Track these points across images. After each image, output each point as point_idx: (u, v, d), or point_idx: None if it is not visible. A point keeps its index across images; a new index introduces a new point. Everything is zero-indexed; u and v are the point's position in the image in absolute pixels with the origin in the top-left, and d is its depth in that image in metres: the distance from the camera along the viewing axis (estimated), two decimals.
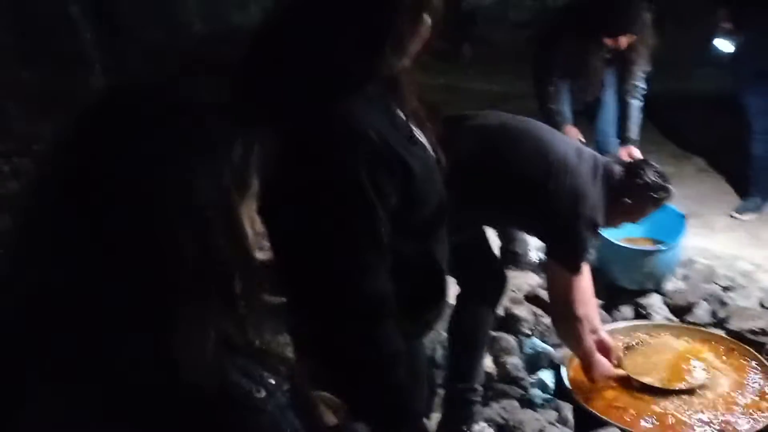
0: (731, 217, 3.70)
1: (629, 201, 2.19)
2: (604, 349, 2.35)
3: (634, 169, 2.22)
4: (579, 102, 3.28)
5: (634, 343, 2.63)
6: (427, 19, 1.19)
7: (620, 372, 2.40)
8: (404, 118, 1.26)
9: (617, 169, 2.20)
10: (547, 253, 2.24)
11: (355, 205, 1.15)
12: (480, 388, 2.35)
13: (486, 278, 2.34)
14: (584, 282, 2.22)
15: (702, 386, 2.37)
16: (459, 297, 2.35)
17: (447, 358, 2.48)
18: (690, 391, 2.37)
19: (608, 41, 2.97)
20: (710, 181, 4.10)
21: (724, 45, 3.30)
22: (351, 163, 1.14)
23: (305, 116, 1.13)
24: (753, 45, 3.25)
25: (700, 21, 3.78)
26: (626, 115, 3.33)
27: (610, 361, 2.36)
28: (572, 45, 3.04)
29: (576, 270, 2.10)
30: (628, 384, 2.41)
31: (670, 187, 2.24)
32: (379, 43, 1.14)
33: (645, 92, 3.29)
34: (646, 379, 2.41)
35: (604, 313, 2.90)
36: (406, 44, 1.18)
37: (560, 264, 2.13)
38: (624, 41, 2.97)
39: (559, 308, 2.23)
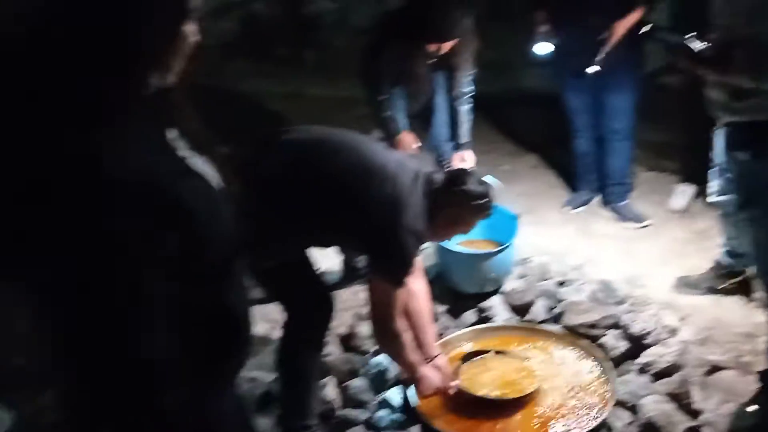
0: (562, 211, 3.84)
1: (452, 211, 2.16)
2: (436, 368, 2.35)
3: (453, 178, 2.19)
4: (412, 107, 3.26)
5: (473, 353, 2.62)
6: (187, 31, 1.05)
7: (451, 384, 2.38)
8: (177, 146, 1.10)
9: (438, 179, 2.17)
10: (369, 266, 2.14)
11: (112, 259, 0.98)
12: (315, 423, 2.24)
13: (311, 305, 2.24)
14: (417, 300, 2.22)
15: (535, 392, 2.40)
16: (285, 326, 2.22)
17: (278, 394, 2.35)
18: (524, 399, 2.38)
19: (431, 47, 2.98)
20: (543, 177, 4.25)
21: (543, 47, 3.40)
22: (103, 208, 0.95)
23: (46, 156, 0.94)
24: (569, 47, 3.37)
25: (526, 21, 3.90)
26: (456, 120, 3.37)
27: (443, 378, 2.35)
28: (397, 51, 3.01)
29: (398, 283, 2.05)
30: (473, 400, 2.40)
31: (490, 194, 2.23)
32: (124, 63, 0.98)
33: (473, 94, 3.33)
34: (481, 392, 2.41)
35: (450, 317, 2.91)
36: (162, 60, 1.02)
37: (382, 277, 2.06)
38: (447, 46, 2.99)
39: (379, 323, 2.16)
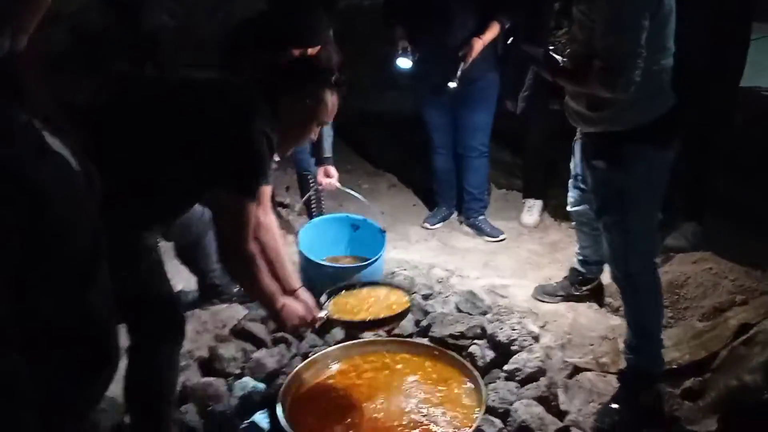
0: (423, 227, 3.88)
1: (295, 98, 2.02)
2: (299, 300, 2.19)
3: (293, 65, 2.13)
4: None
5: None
6: None
7: (319, 315, 2.23)
8: (28, 121, 0.91)
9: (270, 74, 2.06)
10: (220, 184, 1.90)
11: None
12: None
13: (160, 324, 2.02)
14: (269, 234, 2.10)
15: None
16: (130, 350, 1.99)
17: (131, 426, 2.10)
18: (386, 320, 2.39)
19: (295, 52, 2.89)
20: (401, 196, 4.30)
21: (404, 63, 3.44)
22: None
23: None
24: (428, 62, 3.43)
25: (379, 45, 3.94)
26: (319, 135, 3.29)
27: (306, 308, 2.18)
28: (255, 60, 2.88)
29: (251, 194, 1.89)
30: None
31: (334, 69, 2.13)
32: None
33: None
34: (346, 317, 2.36)
35: (317, 338, 2.80)
36: (15, 15, 0.84)
37: (236, 188, 1.88)
38: (310, 52, 2.92)
39: (231, 247, 1.95)
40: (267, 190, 2.13)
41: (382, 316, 2.38)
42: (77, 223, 0.94)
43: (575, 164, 2.59)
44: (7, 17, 0.86)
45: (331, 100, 2.09)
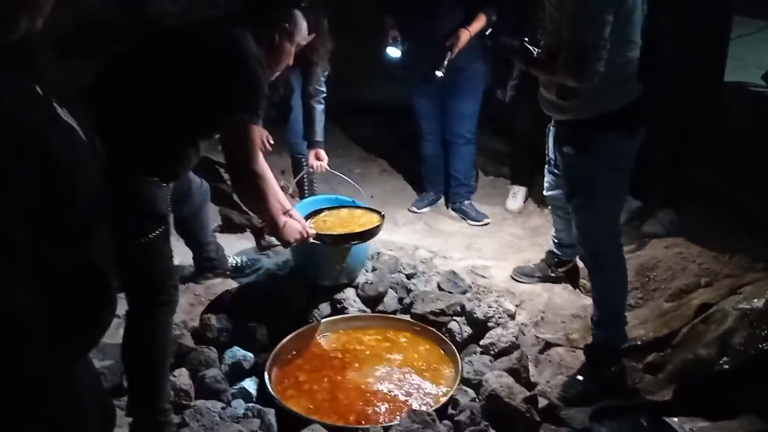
0: (410, 211, 4.02)
1: (276, 28, 2.23)
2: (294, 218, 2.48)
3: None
4: (268, 104, 3.27)
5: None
6: None
7: (310, 232, 2.56)
8: (42, 93, 1.06)
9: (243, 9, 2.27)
10: (225, 108, 2.06)
11: None
12: (169, 407, 2.18)
13: (157, 290, 2.17)
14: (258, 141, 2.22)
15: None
16: (128, 314, 2.15)
17: (126, 380, 2.26)
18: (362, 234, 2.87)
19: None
20: (392, 181, 4.44)
21: (394, 52, 3.56)
22: None
23: None
24: (417, 52, 3.55)
25: (373, 34, 4.06)
26: (311, 119, 3.44)
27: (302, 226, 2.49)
28: None
29: (255, 113, 2.07)
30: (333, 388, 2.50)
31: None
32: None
33: (325, 95, 3.42)
34: (332, 232, 2.85)
35: (303, 311, 2.94)
36: (36, 6, 0.98)
37: (241, 109, 2.04)
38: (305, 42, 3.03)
39: (238, 166, 2.14)
40: (259, 132, 2.36)
41: (357, 231, 2.87)
42: (81, 183, 1.08)
43: (549, 150, 2.73)
44: (25, 3, 0.99)
45: (303, 20, 2.34)
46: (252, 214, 3.46)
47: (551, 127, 2.63)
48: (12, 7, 0.98)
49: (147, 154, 2.08)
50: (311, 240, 2.57)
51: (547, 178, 2.89)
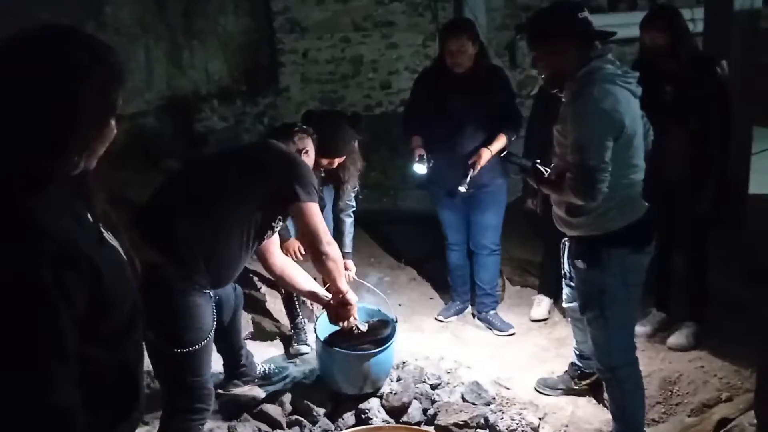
0: (437, 320, 4.10)
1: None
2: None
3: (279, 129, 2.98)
4: None
5: None
6: (113, 123, 1.22)
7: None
8: (92, 220, 1.25)
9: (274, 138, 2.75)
10: (289, 196, 2.47)
11: (35, 309, 1.09)
12: None
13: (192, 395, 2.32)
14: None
15: None
16: (163, 416, 2.30)
17: None
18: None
19: (323, 161, 3.24)
20: (420, 289, 4.53)
21: (420, 168, 3.77)
22: (31, 264, 1.08)
23: None
24: (442, 168, 3.75)
25: (408, 148, 4.30)
26: (341, 231, 3.63)
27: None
28: None
29: (312, 195, 2.48)
30: None
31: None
32: (61, 143, 1.14)
33: (354, 209, 3.62)
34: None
35: (328, 421, 3.00)
36: (91, 145, 1.18)
37: (302, 194, 2.44)
38: (337, 161, 3.26)
39: (312, 244, 2.56)
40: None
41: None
42: (121, 296, 1.25)
43: (564, 264, 2.83)
44: (84, 147, 1.19)
45: (311, 144, 2.90)
46: (281, 322, 3.61)
47: (565, 242, 2.75)
48: (79, 156, 1.18)
49: (205, 266, 2.33)
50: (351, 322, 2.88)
51: (566, 291, 2.98)
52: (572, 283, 2.84)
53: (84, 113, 1.16)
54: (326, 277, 2.70)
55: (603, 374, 2.58)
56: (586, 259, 2.47)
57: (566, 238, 2.70)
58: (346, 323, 2.86)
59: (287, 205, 2.49)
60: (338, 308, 2.82)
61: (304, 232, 2.57)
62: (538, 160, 2.62)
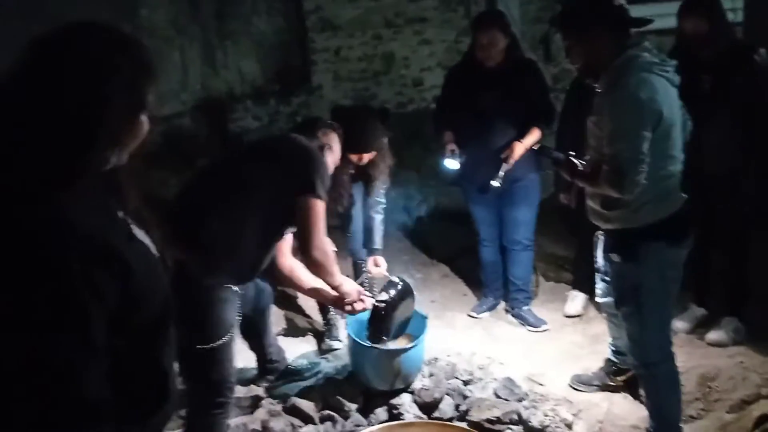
0: (469, 316, 4.08)
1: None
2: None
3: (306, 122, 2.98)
4: (331, 215, 3.48)
5: None
6: (144, 119, 1.23)
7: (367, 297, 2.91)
8: (123, 216, 1.26)
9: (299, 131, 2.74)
10: (297, 188, 2.44)
11: (65, 303, 1.10)
12: None
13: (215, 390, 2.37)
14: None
15: None
16: (187, 411, 2.37)
17: None
18: None
19: (353, 157, 3.24)
20: (452, 285, 4.51)
21: (451, 164, 3.75)
22: (61, 258, 1.09)
23: (9, 211, 1.08)
24: (474, 164, 3.72)
25: (437, 145, 4.28)
26: (371, 228, 3.62)
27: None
28: None
29: (321, 192, 2.44)
30: None
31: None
32: (91, 137, 1.15)
33: (384, 206, 3.61)
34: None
35: (360, 416, 3.00)
36: (122, 140, 1.20)
37: (310, 189, 2.41)
38: (366, 157, 3.26)
39: (310, 238, 2.47)
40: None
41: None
42: (153, 292, 1.27)
43: (597, 258, 2.78)
44: (114, 142, 1.21)
45: (335, 138, 2.87)
46: (313, 318, 3.63)
47: (600, 236, 2.70)
48: (110, 151, 1.20)
49: (229, 262, 2.33)
50: (368, 304, 2.88)
51: (600, 286, 2.92)
52: (606, 278, 2.79)
53: (113, 107, 1.17)
54: (318, 277, 2.71)
55: (638, 370, 2.54)
56: (621, 253, 2.42)
57: (599, 232, 2.65)
58: (359, 309, 2.86)
59: (299, 196, 2.45)
60: (343, 301, 2.82)
61: (303, 227, 2.49)
62: (572, 153, 2.57)
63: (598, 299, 2.99)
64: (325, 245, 2.56)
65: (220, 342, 2.31)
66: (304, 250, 2.53)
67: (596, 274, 2.89)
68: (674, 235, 2.41)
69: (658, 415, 2.47)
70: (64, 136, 1.14)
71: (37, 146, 1.13)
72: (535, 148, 3.45)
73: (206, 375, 2.32)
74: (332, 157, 2.79)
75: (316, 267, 2.59)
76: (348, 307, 2.84)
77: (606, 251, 2.55)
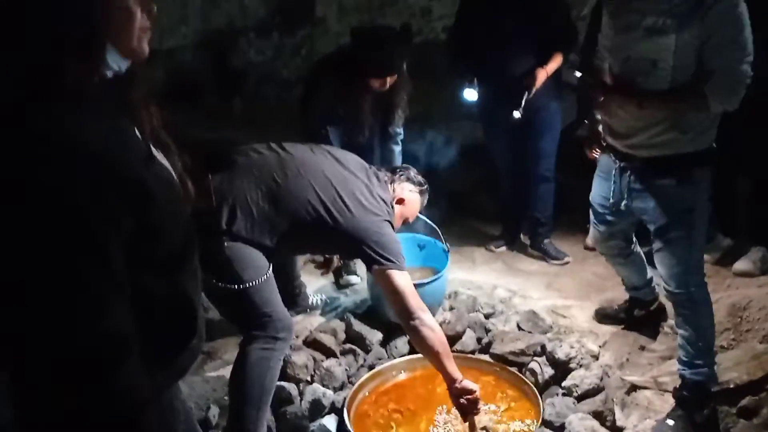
0: (487, 250, 4.00)
1: (401, 199, 2.59)
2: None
3: (396, 170, 2.70)
4: (351, 146, 3.35)
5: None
6: (138, 11, 1.09)
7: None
8: (140, 137, 1.14)
9: (384, 174, 2.60)
10: (373, 262, 2.32)
11: (80, 231, 0.99)
12: None
13: (255, 325, 2.28)
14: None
15: None
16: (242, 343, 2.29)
17: (229, 412, 2.34)
18: None
19: (374, 81, 3.10)
20: (469, 220, 4.42)
21: (470, 94, 3.60)
22: (74, 185, 0.97)
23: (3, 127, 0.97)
24: (493, 93, 3.57)
25: (453, 77, 4.12)
26: (389, 160, 3.50)
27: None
28: (337, 91, 3.12)
29: (399, 262, 2.29)
30: None
31: (424, 182, 2.77)
32: (78, 27, 1.01)
33: (402, 137, 3.49)
34: None
35: (381, 349, 2.96)
36: (114, 33, 1.06)
37: (387, 263, 2.27)
38: (388, 80, 3.12)
39: (401, 316, 2.32)
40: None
41: None
42: (173, 219, 1.15)
43: (607, 195, 2.61)
44: (107, 36, 1.05)
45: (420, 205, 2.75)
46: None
47: (617, 170, 2.52)
48: (103, 51, 1.06)
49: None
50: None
51: (599, 228, 2.76)
52: (610, 218, 2.66)
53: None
54: (421, 347, 2.32)
55: (677, 297, 2.44)
56: (677, 177, 2.33)
57: (618, 165, 2.50)
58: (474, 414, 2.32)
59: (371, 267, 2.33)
60: (459, 398, 2.29)
61: (393, 300, 2.33)
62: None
63: (597, 244, 2.88)
64: (427, 316, 2.29)
65: (257, 282, 2.26)
66: (401, 316, 2.32)
67: (593, 219, 2.77)
68: (716, 159, 2.33)
69: (695, 341, 2.40)
70: (47, 28, 0.99)
71: (17, 46, 0.98)
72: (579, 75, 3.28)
73: (254, 314, 2.29)
74: (402, 212, 2.63)
75: (417, 338, 2.29)
76: (467, 412, 2.33)
77: (647, 179, 2.42)
